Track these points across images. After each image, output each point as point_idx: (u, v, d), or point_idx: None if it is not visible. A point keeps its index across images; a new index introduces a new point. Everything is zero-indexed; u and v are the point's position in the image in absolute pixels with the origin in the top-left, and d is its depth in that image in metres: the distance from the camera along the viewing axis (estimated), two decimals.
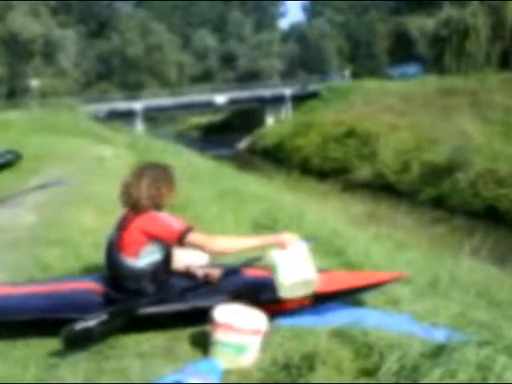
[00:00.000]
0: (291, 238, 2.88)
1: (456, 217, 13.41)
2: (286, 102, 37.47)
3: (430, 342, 2.39)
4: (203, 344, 2.62)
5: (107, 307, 2.74)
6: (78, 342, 2.53)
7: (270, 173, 12.41)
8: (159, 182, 2.88)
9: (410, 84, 30.26)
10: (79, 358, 2.52)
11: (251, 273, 3.22)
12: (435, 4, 37.02)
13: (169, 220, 2.80)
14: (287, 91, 37.76)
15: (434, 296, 3.74)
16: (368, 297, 3.43)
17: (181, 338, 2.76)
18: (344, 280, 3.19)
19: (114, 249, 2.87)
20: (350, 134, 25.37)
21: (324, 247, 4.46)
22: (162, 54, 50.76)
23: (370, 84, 33.24)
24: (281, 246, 2.84)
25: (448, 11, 35.34)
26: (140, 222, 2.79)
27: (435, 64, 35.33)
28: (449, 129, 20.02)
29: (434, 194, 17.58)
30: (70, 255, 4.06)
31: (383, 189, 19.16)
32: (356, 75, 42.78)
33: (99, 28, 49.63)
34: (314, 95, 36.12)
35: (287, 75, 49.31)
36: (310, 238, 3.75)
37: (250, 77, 48.14)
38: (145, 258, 2.80)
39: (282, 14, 73.69)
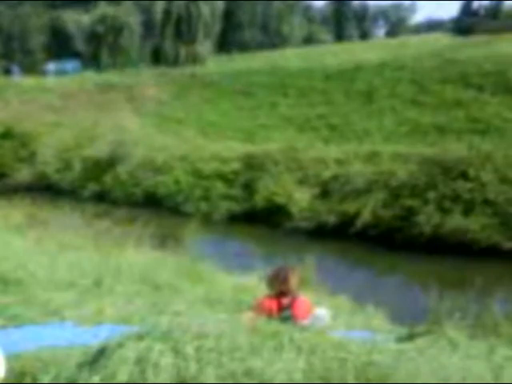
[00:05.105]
0: None
1: (120, 208, 13.74)
2: None
3: (89, 349, 2.27)
4: None
5: None
6: None
7: None
8: None
9: (68, 81, 29.72)
10: None
11: None
12: (91, 0, 37.12)
13: None
14: None
15: (100, 295, 3.65)
16: (28, 312, 3.12)
17: None
18: None
19: None
20: (7, 135, 23.47)
21: None
22: None
23: (27, 81, 31.31)
24: None
25: (103, 8, 36.06)
26: None
27: (92, 60, 35.67)
28: (108, 124, 20.39)
29: (97, 189, 17.71)
30: None
31: (46, 189, 18.33)
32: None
33: None
34: None
35: None
36: None
37: None
38: None
39: None
